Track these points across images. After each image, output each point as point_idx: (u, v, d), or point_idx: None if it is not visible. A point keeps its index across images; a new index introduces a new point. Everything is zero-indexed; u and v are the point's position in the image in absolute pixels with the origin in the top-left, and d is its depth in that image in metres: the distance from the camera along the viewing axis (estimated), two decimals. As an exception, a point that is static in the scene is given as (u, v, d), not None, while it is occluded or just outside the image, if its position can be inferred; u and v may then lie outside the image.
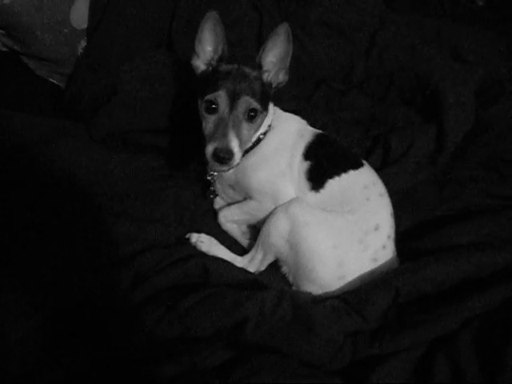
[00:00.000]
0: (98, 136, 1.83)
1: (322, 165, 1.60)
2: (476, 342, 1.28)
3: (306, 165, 1.60)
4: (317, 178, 1.59)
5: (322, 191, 1.58)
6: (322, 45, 2.13)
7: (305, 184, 1.60)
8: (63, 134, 1.81)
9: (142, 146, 1.87)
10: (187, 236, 1.62)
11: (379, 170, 1.75)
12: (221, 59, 1.53)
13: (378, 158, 1.88)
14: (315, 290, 1.50)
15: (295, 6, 2.16)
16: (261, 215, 1.60)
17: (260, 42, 2.06)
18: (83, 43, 2.05)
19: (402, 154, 1.86)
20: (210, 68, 1.54)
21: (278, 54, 1.51)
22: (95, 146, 1.81)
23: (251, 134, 1.53)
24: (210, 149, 1.41)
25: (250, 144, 1.57)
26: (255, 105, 1.47)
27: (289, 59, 1.52)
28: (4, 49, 2.09)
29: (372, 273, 1.49)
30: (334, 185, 1.58)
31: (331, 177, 1.58)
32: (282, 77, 1.56)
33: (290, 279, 1.56)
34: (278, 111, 1.71)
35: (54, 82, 2.11)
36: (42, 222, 1.49)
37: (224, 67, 1.51)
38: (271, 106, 1.65)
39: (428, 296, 1.41)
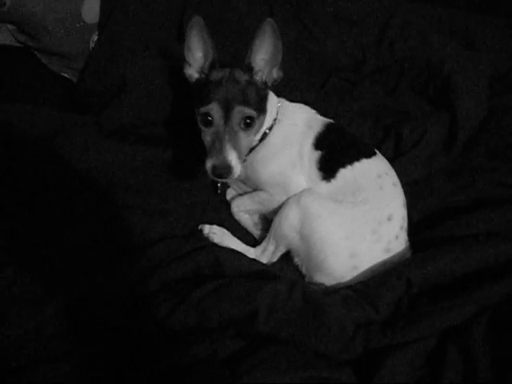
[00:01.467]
0: (108, 128, 1.87)
1: (334, 154, 1.61)
2: (489, 333, 1.28)
3: (316, 154, 1.61)
4: (328, 168, 1.59)
5: (333, 181, 1.58)
6: (333, 36, 2.13)
7: (316, 174, 1.60)
8: (74, 127, 1.82)
9: (152, 138, 1.89)
10: (200, 227, 1.63)
11: (391, 160, 1.74)
12: (212, 65, 1.51)
13: (389, 148, 1.88)
14: (328, 280, 1.50)
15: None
16: (272, 206, 1.61)
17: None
18: (95, 38, 2.07)
19: (414, 144, 1.85)
20: (203, 75, 1.52)
21: (267, 52, 1.48)
22: (106, 139, 1.83)
23: (250, 141, 1.53)
24: (208, 165, 1.43)
25: (249, 148, 1.58)
26: (249, 112, 1.46)
27: (280, 55, 1.49)
28: (17, 44, 2.13)
29: (385, 263, 1.49)
30: (346, 174, 1.58)
31: (343, 166, 1.58)
32: (276, 74, 1.53)
33: (303, 270, 1.57)
34: (285, 103, 1.70)
35: (66, 76, 2.14)
36: (54, 212, 1.51)
37: (215, 74, 1.49)
38: (275, 99, 1.65)
39: (440, 286, 1.42)
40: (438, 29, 2.20)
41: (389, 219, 1.51)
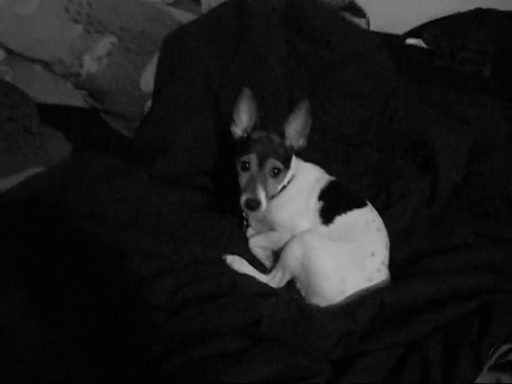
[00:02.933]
0: (158, 175, 2.29)
1: (332, 204, 1.99)
2: (442, 344, 1.60)
3: (319, 204, 2.00)
4: (327, 215, 1.97)
5: (331, 225, 1.96)
6: (342, 109, 2.53)
7: (318, 219, 1.98)
8: (129, 173, 2.27)
9: (192, 185, 2.31)
10: (223, 257, 2.01)
11: (381, 211, 2.09)
12: (254, 127, 1.95)
13: (381, 202, 2.24)
14: (321, 302, 1.85)
15: (319, 76, 2.58)
16: (281, 243, 1.98)
17: (291, 99, 2.50)
18: (148, 103, 2.56)
19: (400, 199, 2.21)
20: (245, 134, 1.97)
21: (298, 126, 1.93)
22: (152, 183, 2.26)
23: (276, 187, 1.95)
24: (243, 199, 1.84)
25: (275, 193, 1.97)
26: (278, 164, 1.89)
27: (308, 129, 1.94)
28: (86, 106, 2.64)
29: (367, 290, 1.84)
30: (340, 220, 1.96)
31: (339, 214, 1.96)
32: (301, 142, 1.97)
33: (303, 293, 1.92)
34: (301, 163, 2.11)
35: (124, 133, 2.61)
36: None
37: (255, 134, 1.93)
38: (294, 161, 2.05)
39: (409, 309, 1.76)
40: (432, 106, 2.58)
41: (372, 255, 1.87)
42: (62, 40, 2.44)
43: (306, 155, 2.16)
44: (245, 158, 1.88)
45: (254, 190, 1.83)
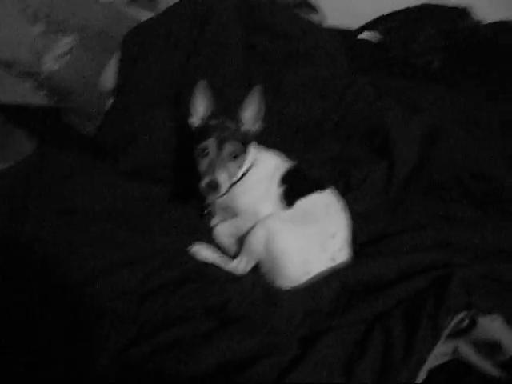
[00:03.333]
0: (122, 171, 2.34)
1: (293, 189, 2.06)
2: (403, 317, 1.69)
3: (280, 190, 2.07)
4: (288, 199, 2.04)
5: (292, 209, 2.03)
6: (300, 101, 2.60)
7: (279, 204, 2.05)
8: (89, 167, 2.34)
9: (155, 178, 2.36)
10: (188, 248, 2.05)
11: (342, 196, 2.17)
12: (210, 116, 2.03)
13: (341, 188, 2.31)
14: (286, 284, 1.90)
15: (277, 70, 2.63)
16: (245, 229, 2.03)
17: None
18: (110, 101, 2.58)
19: (359, 184, 2.31)
20: (203, 123, 2.03)
21: (253, 110, 2.00)
22: (116, 177, 2.31)
23: (236, 170, 2.01)
24: (203, 182, 1.89)
25: (235, 178, 2.04)
26: (236, 148, 1.96)
27: (263, 113, 2.01)
28: (46, 105, 2.63)
29: (331, 269, 1.91)
30: (301, 204, 2.03)
31: (299, 198, 2.04)
32: (257, 126, 2.04)
33: (268, 277, 1.96)
34: (261, 151, 2.18)
35: (86, 131, 2.60)
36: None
37: (212, 122, 2.00)
38: (254, 149, 2.12)
39: (371, 286, 1.85)
40: (386, 95, 2.68)
41: (333, 236, 1.95)
42: (21, 40, 2.43)
43: (266, 145, 2.23)
44: (203, 145, 1.94)
45: (214, 172, 1.89)
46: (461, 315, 1.68)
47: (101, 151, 2.45)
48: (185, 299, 1.76)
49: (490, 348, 1.66)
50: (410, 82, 2.86)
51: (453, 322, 1.67)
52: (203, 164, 1.96)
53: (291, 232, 1.93)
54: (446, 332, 1.66)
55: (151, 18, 2.61)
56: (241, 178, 2.09)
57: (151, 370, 1.57)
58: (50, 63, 2.46)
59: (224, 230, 2.14)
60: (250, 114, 2.02)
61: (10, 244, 1.91)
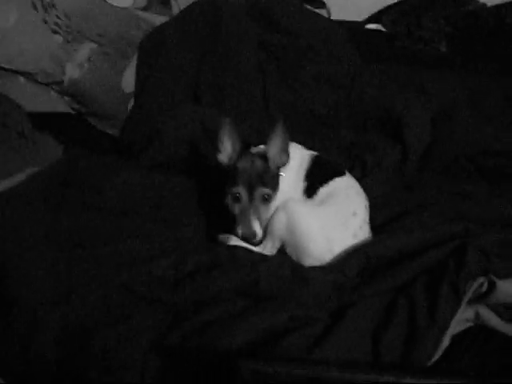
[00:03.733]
0: (146, 164, 2.44)
1: (315, 180, 2.13)
2: (425, 285, 1.76)
3: (304, 184, 2.14)
4: (312, 191, 2.12)
5: (315, 197, 2.10)
6: (312, 92, 2.70)
7: (303, 195, 2.13)
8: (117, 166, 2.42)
9: (178, 171, 2.45)
10: (217, 236, 2.13)
11: (358, 180, 2.25)
12: (239, 154, 2.02)
13: (357, 173, 2.40)
14: (312, 262, 1.97)
15: (288, 65, 2.75)
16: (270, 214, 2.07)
17: (264, 96, 2.71)
18: (131, 102, 2.70)
19: (374, 168, 2.40)
20: (232, 162, 2.03)
21: (277, 146, 2.01)
22: (144, 173, 2.39)
23: (268, 212, 2.00)
24: (239, 232, 1.93)
25: (269, 216, 2.02)
26: (267, 191, 1.95)
27: (287, 145, 2.02)
28: (71, 111, 2.76)
29: (353, 246, 1.99)
30: (323, 191, 2.10)
31: (321, 185, 2.11)
32: (284, 158, 2.03)
33: (294, 257, 2.03)
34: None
35: (110, 133, 2.74)
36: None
37: (241, 163, 1.99)
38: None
39: (393, 259, 1.93)
40: (395, 81, 2.77)
41: (354, 215, 2.02)
42: (42, 51, 2.55)
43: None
44: (234, 190, 1.94)
45: (249, 222, 1.92)
46: (480, 280, 1.75)
47: (124, 151, 2.56)
48: (217, 281, 1.84)
49: (509, 311, 1.74)
50: (418, 68, 2.93)
51: (472, 287, 1.74)
52: (236, 208, 1.97)
53: (312, 211, 2.02)
54: (467, 297, 1.73)
55: (166, 22, 2.74)
56: None
57: (189, 350, 1.65)
58: (72, 71, 2.58)
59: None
60: (276, 150, 2.02)
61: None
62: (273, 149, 1.99)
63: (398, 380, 1.26)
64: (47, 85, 2.64)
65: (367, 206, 2.13)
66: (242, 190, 1.93)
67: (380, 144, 2.52)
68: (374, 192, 2.30)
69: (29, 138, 2.31)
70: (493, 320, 1.75)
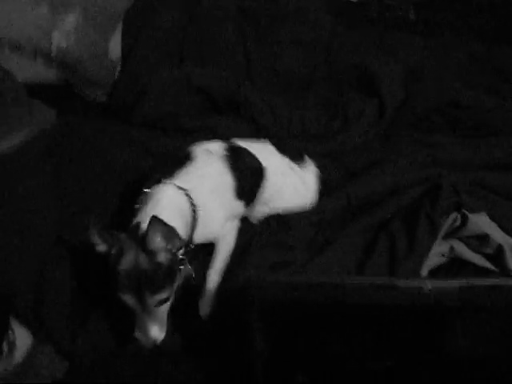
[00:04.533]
0: (137, 122, 2.56)
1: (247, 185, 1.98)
2: (403, 220, 1.96)
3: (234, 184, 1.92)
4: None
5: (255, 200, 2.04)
6: (291, 56, 2.84)
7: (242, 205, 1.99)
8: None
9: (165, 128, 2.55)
10: None
11: (341, 132, 2.48)
12: (118, 248, 1.54)
13: (339, 126, 2.55)
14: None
15: (267, 30, 2.90)
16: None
17: (245, 59, 2.85)
18: (118, 68, 2.81)
19: (355, 120, 2.54)
20: (114, 260, 1.52)
21: (162, 241, 1.51)
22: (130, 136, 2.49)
23: (167, 308, 1.57)
24: (137, 335, 1.54)
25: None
26: (162, 296, 1.52)
27: (176, 239, 1.55)
28: (58, 83, 2.83)
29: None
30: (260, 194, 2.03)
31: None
32: (176, 244, 1.55)
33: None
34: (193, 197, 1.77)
35: (99, 99, 2.82)
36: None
37: (123, 264, 1.49)
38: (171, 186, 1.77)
39: (373, 198, 2.09)
40: (368, 44, 2.94)
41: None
42: (29, 20, 2.60)
43: (264, 98, 2.51)
44: (120, 297, 1.49)
45: (145, 329, 1.51)
46: (453, 215, 1.93)
47: (113, 115, 2.67)
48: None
49: (480, 242, 1.90)
50: (388, 33, 3.09)
51: (447, 221, 1.92)
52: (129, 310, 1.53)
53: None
54: (443, 230, 1.91)
55: (150, -7, 2.84)
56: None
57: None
58: (59, 40, 2.65)
59: None
60: (161, 245, 1.50)
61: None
62: (155, 243, 1.49)
63: (392, 282, 1.38)
64: (34, 56, 2.70)
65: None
66: (129, 299, 1.48)
67: (358, 99, 2.66)
68: (354, 141, 2.48)
69: (24, 104, 2.38)
70: (466, 253, 1.92)
